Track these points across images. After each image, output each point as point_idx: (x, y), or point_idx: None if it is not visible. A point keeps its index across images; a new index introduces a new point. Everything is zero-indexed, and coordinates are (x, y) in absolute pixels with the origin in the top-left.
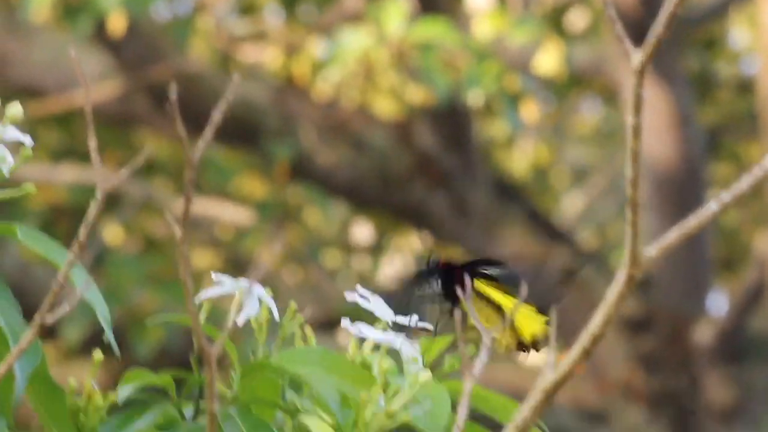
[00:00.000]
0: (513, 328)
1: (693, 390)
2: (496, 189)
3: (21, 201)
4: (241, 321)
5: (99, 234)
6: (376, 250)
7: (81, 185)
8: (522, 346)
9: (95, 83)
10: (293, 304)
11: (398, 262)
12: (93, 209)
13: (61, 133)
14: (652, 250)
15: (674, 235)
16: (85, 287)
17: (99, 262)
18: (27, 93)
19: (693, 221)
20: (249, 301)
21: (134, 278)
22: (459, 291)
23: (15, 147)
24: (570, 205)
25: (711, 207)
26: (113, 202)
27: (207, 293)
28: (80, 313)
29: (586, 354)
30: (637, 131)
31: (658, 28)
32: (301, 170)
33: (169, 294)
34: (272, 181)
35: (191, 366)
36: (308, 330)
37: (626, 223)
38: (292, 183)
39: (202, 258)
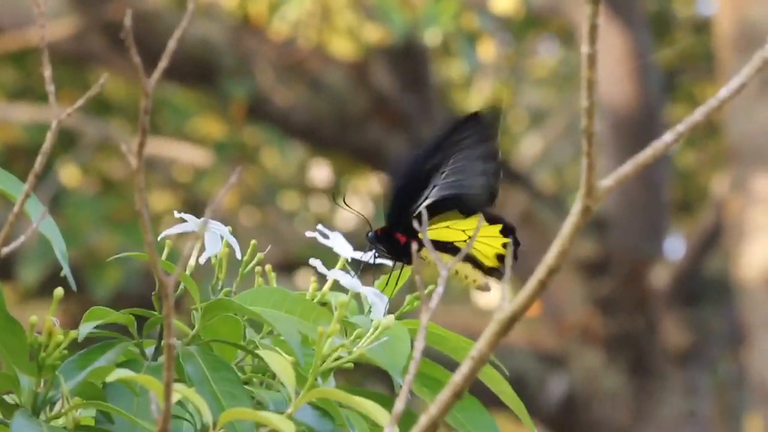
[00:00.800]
0: (475, 262)
1: (650, 332)
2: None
3: None
4: (203, 259)
5: (56, 175)
6: (334, 191)
7: (37, 124)
8: (489, 271)
9: (51, 21)
10: (254, 244)
11: (356, 203)
12: (48, 142)
13: (16, 72)
14: (607, 182)
15: (629, 166)
16: (41, 220)
17: (56, 202)
18: None
19: (648, 153)
20: (210, 239)
21: (91, 219)
22: (413, 246)
23: None
24: (528, 148)
25: (665, 139)
26: (70, 143)
27: (168, 231)
28: (37, 254)
29: (542, 286)
30: (592, 60)
31: None
32: (258, 111)
33: (126, 235)
34: (229, 121)
35: (151, 307)
36: (269, 269)
37: (582, 155)
38: (249, 123)
39: (159, 199)
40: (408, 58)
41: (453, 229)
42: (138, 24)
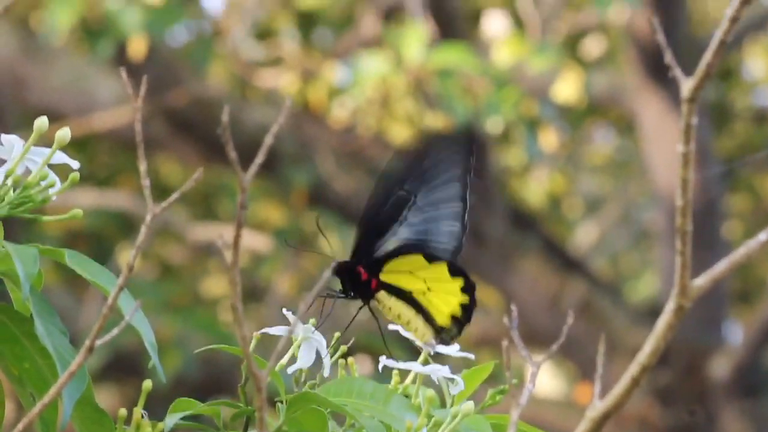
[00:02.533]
0: (428, 317)
1: (709, 424)
2: (511, 218)
3: (39, 226)
4: (291, 370)
5: (115, 260)
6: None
7: (99, 209)
8: (439, 329)
9: (113, 108)
10: (338, 336)
11: None
12: (142, 234)
13: (79, 157)
14: (700, 281)
15: (723, 265)
16: (132, 313)
17: None
18: (46, 117)
19: (742, 251)
20: (306, 348)
21: (150, 304)
22: (364, 291)
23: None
24: (583, 235)
25: (761, 237)
26: (129, 228)
27: (266, 330)
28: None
29: (636, 383)
30: (687, 159)
31: (708, 56)
32: (318, 197)
33: (185, 321)
34: (289, 207)
35: (207, 396)
36: (351, 362)
37: (676, 253)
38: (309, 209)
39: (218, 284)
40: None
41: (414, 276)
42: (198, 111)
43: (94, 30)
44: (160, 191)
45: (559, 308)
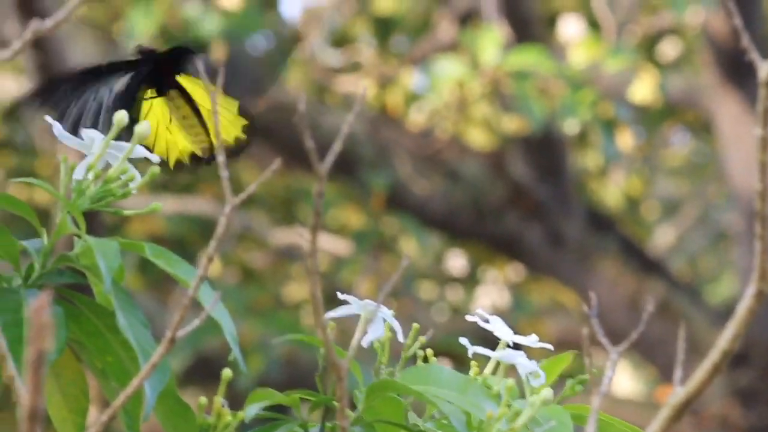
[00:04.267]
0: (211, 131)
1: None
2: (589, 220)
3: (122, 230)
4: (366, 342)
5: (197, 265)
6: (470, 281)
7: (180, 215)
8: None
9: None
10: (416, 327)
11: (493, 293)
12: (221, 228)
13: (160, 164)
14: None
15: None
16: (212, 305)
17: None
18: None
19: None
20: (375, 322)
21: (232, 308)
22: (165, 83)
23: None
24: (661, 237)
25: None
26: (211, 234)
27: (332, 313)
28: (183, 343)
29: (717, 369)
30: (765, 143)
31: None
32: (397, 200)
33: (267, 324)
34: (368, 211)
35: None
36: (430, 353)
37: (756, 238)
38: (388, 213)
39: (299, 289)
40: (545, 148)
41: (205, 96)
42: (277, 117)
43: (173, 37)
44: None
45: (637, 309)
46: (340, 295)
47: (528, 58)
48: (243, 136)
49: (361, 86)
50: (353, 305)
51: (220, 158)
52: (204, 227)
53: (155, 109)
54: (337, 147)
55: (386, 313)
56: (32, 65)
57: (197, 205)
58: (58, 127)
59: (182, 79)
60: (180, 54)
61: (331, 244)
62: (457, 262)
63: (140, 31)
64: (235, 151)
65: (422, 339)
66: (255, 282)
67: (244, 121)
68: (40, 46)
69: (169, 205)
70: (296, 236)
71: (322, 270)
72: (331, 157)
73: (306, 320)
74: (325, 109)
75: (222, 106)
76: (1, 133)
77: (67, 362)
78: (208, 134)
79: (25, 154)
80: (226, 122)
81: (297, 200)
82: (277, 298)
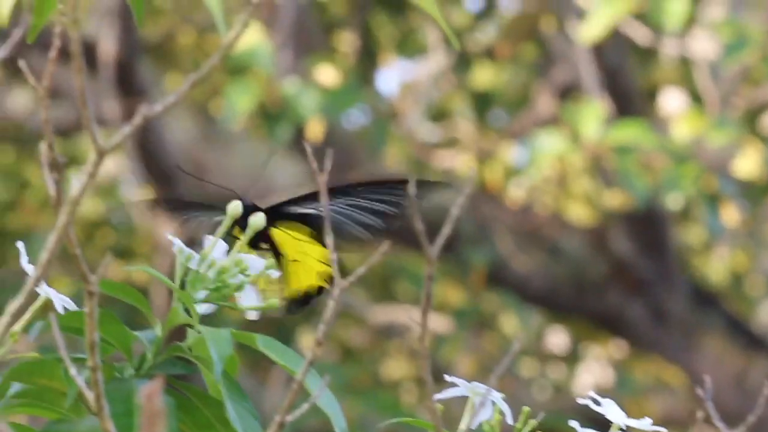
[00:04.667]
0: (285, 281)
1: None
2: (693, 296)
3: (218, 314)
4: (475, 424)
5: (296, 343)
6: (572, 358)
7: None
8: (293, 301)
9: (292, 191)
10: (527, 411)
11: (595, 370)
12: (329, 312)
13: None
14: None
15: None
16: (319, 393)
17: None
18: (225, 201)
19: None
20: (483, 405)
21: (332, 387)
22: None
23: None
24: (766, 314)
25: None
26: (312, 311)
27: (442, 395)
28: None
29: None
30: None
31: None
32: (497, 277)
33: (366, 403)
34: (468, 287)
35: None
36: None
37: None
38: (488, 290)
39: (398, 366)
40: (648, 223)
41: (295, 243)
42: None
43: (272, 114)
44: (339, 275)
45: (745, 387)
46: (448, 377)
47: (630, 132)
48: (325, 285)
49: (460, 162)
50: (461, 387)
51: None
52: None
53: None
54: (446, 230)
55: (496, 395)
56: (131, 143)
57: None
58: (178, 243)
59: (275, 230)
60: (291, 203)
61: (432, 322)
62: (558, 338)
63: (239, 108)
64: (308, 300)
65: (533, 422)
66: (354, 360)
67: (328, 270)
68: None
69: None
70: (395, 314)
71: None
72: (441, 241)
73: (405, 399)
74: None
75: (307, 253)
76: (99, 210)
77: None
78: (288, 285)
79: (123, 232)
80: (309, 271)
81: (395, 278)
82: (375, 376)
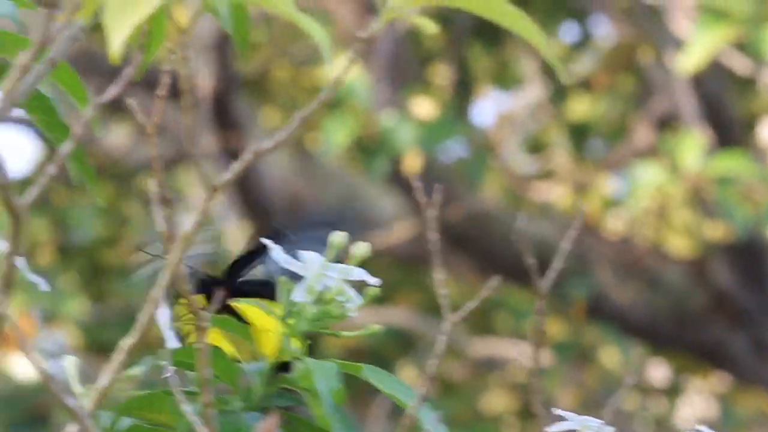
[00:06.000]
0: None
1: None
2: None
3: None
4: None
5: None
6: (673, 391)
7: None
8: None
9: (389, 224)
10: None
11: (697, 403)
12: (440, 345)
13: None
14: None
15: None
16: (432, 425)
17: (398, 407)
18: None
19: None
20: None
21: None
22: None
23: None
24: None
25: None
26: (408, 345)
27: (553, 428)
28: None
29: None
30: None
31: None
32: (597, 309)
33: None
34: (568, 320)
35: None
36: None
37: None
38: (588, 322)
39: (498, 400)
40: (749, 254)
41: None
42: (473, 225)
43: (368, 148)
44: (437, 308)
45: None
46: (555, 411)
47: (730, 162)
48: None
49: (557, 194)
50: (572, 421)
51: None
52: (401, 339)
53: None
54: (557, 264)
55: (608, 430)
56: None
57: (394, 315)
58: (276, 250)
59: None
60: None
61: (529, 358)
62: (659, 371)
63: (335, 142)
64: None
65: None
66: (453, 393)
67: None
68: (238, 157)
69: (366, 316)
70: (495, 347)
71: (520, 381)
72: (552, 274)
73: None
74: (520, 218)
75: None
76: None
77: None
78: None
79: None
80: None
81: (494, 310)
82: (475, 410)
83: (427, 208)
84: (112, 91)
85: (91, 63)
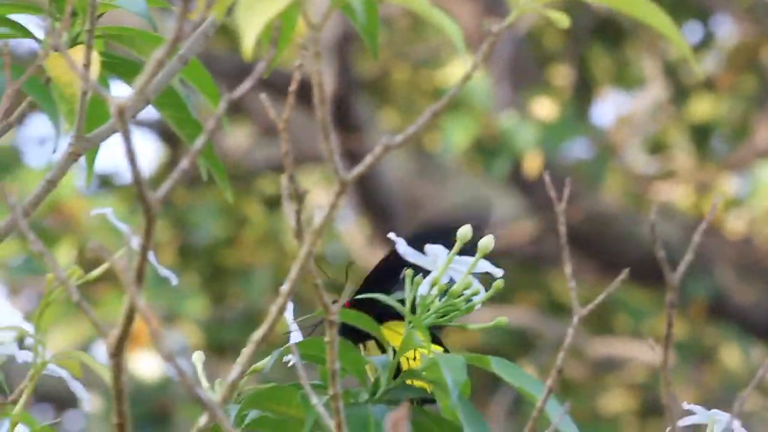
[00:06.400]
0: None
1: None
2: None
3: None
4: None
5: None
6: None
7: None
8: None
9: (509, 225)
10: None
11: None
12: (568, 340)
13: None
14: None
15: None
16: (560, 418)
17: (516, 406)
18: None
19: None
20: None
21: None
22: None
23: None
24: None
25: None
26: (527, 345)
27: (681, 422)
28: None
29: None
30: None
31: None
32: (717, 309)
33: None
34: (688, 320)
35: None
36: None
37: None
38: (708, 322)
39: (616, 400)
40: None
41: (395, 334)
42: (592, 226)
43: (488, 148)
44: (556, 308)
45: None
46: (685, 405)
47: None
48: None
49: (679, 194)
50: (699, 415)
51: None
52: (520, 338)
53: None
54: (687, 258)
55: (736, 423)
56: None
57: (513, 314)
58: (401, 243)
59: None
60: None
61: (652, 355)
62: None
63: (455, 143)
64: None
65: None
66: (572, 393)
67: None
68: (358, 158)
69: (485, 315)
70: (613, 347)
71: (639, 381)
72: (682, 268)
73: None
74: (642, 219)
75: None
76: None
77: None
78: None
79: (340, 267)
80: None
81: (612, 310)
82: (594, 410)
83: (554, 204)
84: (243, 88)
85: (211, 64)
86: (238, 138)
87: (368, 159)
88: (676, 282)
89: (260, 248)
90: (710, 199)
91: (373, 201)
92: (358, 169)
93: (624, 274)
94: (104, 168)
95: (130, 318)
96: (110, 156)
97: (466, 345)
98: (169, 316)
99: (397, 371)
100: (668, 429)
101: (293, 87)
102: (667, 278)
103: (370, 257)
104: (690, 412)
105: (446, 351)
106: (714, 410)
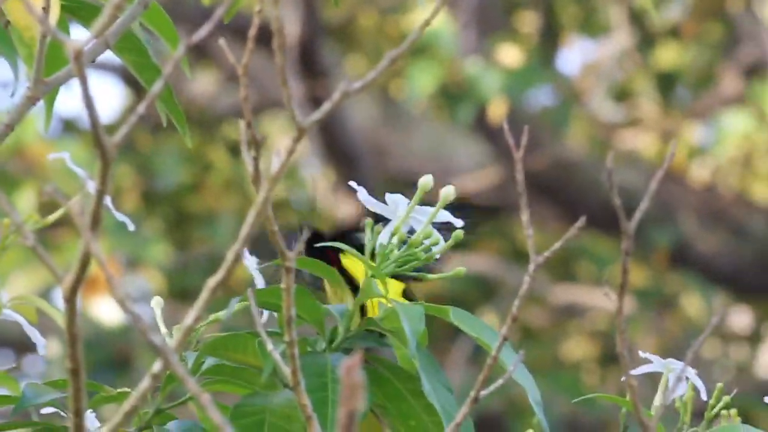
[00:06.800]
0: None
1: None
2: None
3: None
4: (668, 400)
5: None
6: (755, 338)
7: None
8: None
9: (472, 172)
10: (720, 387)
11: None
12: (524, 287)
13: None
14: None
15: None
16: (515, 367)
17: (476, 355)
18: (405, 183)
19: None
20: (677, 381)
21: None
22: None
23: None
24: None
25: None
26: (489, 292)
27: (637, 370)
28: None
29: None
30: None
31: None
32: (680, 258)
33: (545, 383)
34: (650, 267)
35: None
36: (734, 413)
37: None
38: (671, 270)
39: (578, 347)
40: None
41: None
42: (557, 174)
43: (454, 95)
44: (519, 256)
45: None
46: (642, 354)
47: None
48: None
49: (643, 142)
50: (655, 363)
51: None
52: (482, 285)
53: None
54: (643, 206)
55: (690, 371)
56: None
57: (475, 262)
58: (362, 192)
59: (344, 258)
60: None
61: (612, 302)
62: (741, 318)
63: (420, 89)
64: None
65: (727, 398)
66: (533, 340)
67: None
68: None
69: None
70: (575, 294)
71: (601, 328)
72: (638, 216)
73: (586, 379)
74: (605, 167)
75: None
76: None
77: (370, 426)
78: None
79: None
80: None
81: (575, 258)
82: (555, 356)
83: (514, 152)
84: (202, 32)
85: (175, 9)
86: (205, 84)
87: (327, 105)
88: (632, 230)
89: (225, 194)
90: (675, 147)
91: (337, 148)
92: (316, 115)
93: (581, 221)
94: (69, 112)
95: (84, 263)
96: (75, 100)
97: (429, 293)
98: (132, 262)
99: (363, 315)
100: (623, 377)
101: (252, 32)
102: (623, 226)
103: (335, 204)
104: (647, 361)
105: (411, 299)
106: (669, 359)
